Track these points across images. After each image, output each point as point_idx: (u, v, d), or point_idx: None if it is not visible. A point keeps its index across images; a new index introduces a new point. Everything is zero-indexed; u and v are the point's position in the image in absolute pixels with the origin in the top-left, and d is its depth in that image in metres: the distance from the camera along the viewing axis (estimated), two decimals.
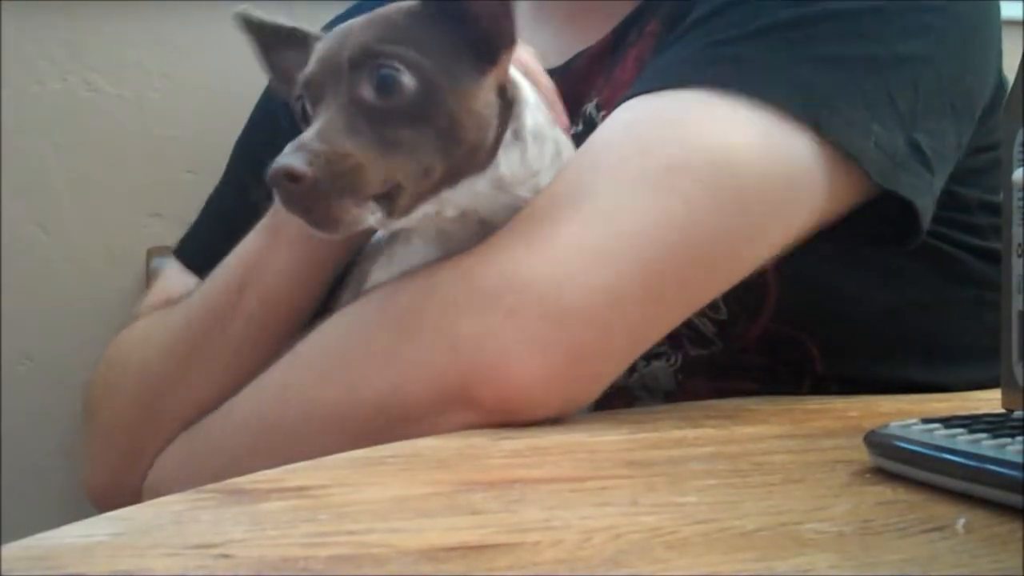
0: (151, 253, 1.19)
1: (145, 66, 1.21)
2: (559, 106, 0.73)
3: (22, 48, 1.18)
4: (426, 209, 0.64)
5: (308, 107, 0.63)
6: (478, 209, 0.67)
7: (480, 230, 0.67)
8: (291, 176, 0.57)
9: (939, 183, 0.71)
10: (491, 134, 0.65)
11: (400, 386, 0.63)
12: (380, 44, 0.62)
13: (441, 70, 0.62)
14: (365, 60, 0.61)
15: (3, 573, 0.35)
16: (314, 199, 0.58)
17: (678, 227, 0.63)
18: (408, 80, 0.61)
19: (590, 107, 0.80)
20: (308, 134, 0.60)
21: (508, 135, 0.66)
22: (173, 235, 0.94)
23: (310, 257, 0.74)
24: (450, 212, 0.66)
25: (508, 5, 0.63)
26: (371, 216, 0.60)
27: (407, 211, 0.63)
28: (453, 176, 0.64)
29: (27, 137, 1.19)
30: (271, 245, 0.74)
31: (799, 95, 0.65)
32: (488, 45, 0.64)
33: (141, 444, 0.76)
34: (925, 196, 0.69)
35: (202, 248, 0.86)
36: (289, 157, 0.58)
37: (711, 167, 0.64)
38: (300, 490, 0.47)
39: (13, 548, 0.37)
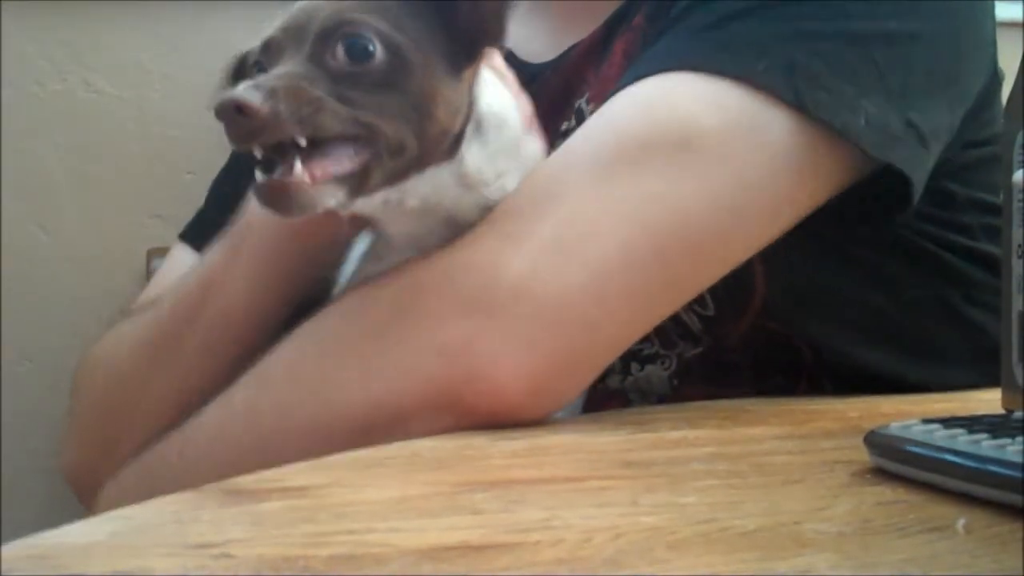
0: (151, 253, 1.19)
1: (145, 66, 1.21)
2: (528, 109, 0.71)
3: (22, 48, 1.18)
4: (388, 195, 0.63)
5: (266, 70, 0.61)
6: (442, 203, 0.65)
7: (450, 232, 0.66)
8: (241, 109, 0.55)
9: (931, 161, 0.70)
10: (460, 123, 0.64)
11: (384, 396, 0.62)
12: (352, 12, 0.61)
13: (415, 48, 0.61)
14: (336, 27, 0.60)
15: (3, 573, 0.35)
16: (263, 136, 0.57)
17: (655, 212, 0.62)
18: (378, 50, 0.60)
19: (581, 102, 0.80)
20: (264, 76, 0.58)
21: (470, 126, 0.65)
22: (173, 235, 0.94)
23: (270, 273, 0.72)
24: (412, 202, 0.64)
25: (502, 6, 0.62)
26: (331, 198, 0.59)
27: (376, 189, 0.61)
28: (422, 161, 0.63)
29: (27, 137, 1.19)
30: (231, 259, 0.73)
31: (782, 72, 0.64)
32: (470, 41, 0.64)
33: (112, 439, 0.76)
34: (919, 170, 0.68)
35: (206, 231, 0.86)
36: (241, 91, 0.56)
37: (683, 150, 0.63)
38: (300, 490, 0.47)
39: (13, 548, 0.37)
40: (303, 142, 0.57)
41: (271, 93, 0.56)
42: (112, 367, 0.79)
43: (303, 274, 0.74)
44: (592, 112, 0.76)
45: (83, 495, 0.80)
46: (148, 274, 1.17)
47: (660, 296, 0.65)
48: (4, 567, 0.35)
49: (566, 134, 0.77)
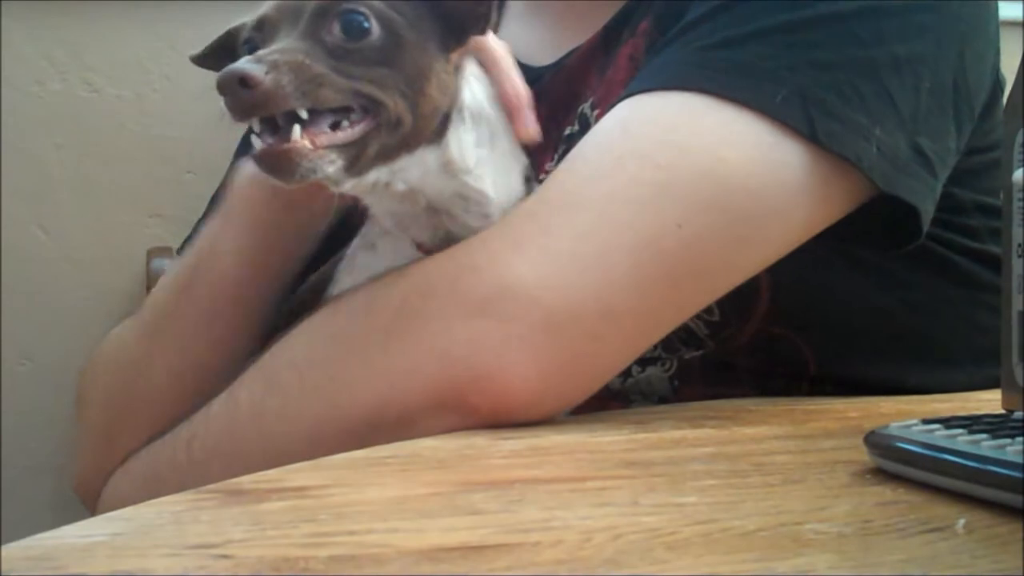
0: (151, 254, 1.19)
1: (145, 66, 1.21)
2: (526, 110, 0.72)
3: (22, 48, 1.18)
4: (379, 176, 0.64)
5: (259, 47, 0.62)
6: (425, 189, 0.66)
7: (430, 218, 0.67)
8: (244, 81, 0.56)
9: (940, 185, 0.71)
10: (448, 104, 0.65)
11: (390, 397, 0.62)
12: None
13: (408, 26, 0.62)
14: (332, 4, 0.61)
15: (3, 573, 0.35)
16: (266, 108, 0.58)
17: (672, 237, 0.63)
18: (375, 27, 0.61)
19: (585, 107, 0.80)
20: (263, 51, 0.59)
21: (455, 113, 0.66)
22: (173, 235, 0.95)
23: (259, 241, 0.74)
24: (400, 186, 0.65)
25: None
26: (330, 165, 0.59)
27: (370, 165, 0.62)
28: (414, 139, 0.64)
29: (27, 137, 1.19)
30: (221, 229, 0.75)
31: (795, 102, 0.64)
32: (461, 24, 0.65)
33: (117, 430, 0.76)
34: (927, 200, 0.69)
35: None
36: (244, 64, 0.57)
37: (704, 179, 0.63)
38: (300, 490, 0.47)
39: (13, 548, 0.37)
40: (304, 115, 0.58)
41: (273, 66, 0.57)
42: (114, 360, 0.80)
43: (291, 242, 0.75)
44: (597, 118, 0.76)
45: (92, 503, 0.80)
46: (148, 274, 1.17)
47: (667, 314, 0.66)
48: (4, 567, 0.35)
49: (569, 139, 0.77)
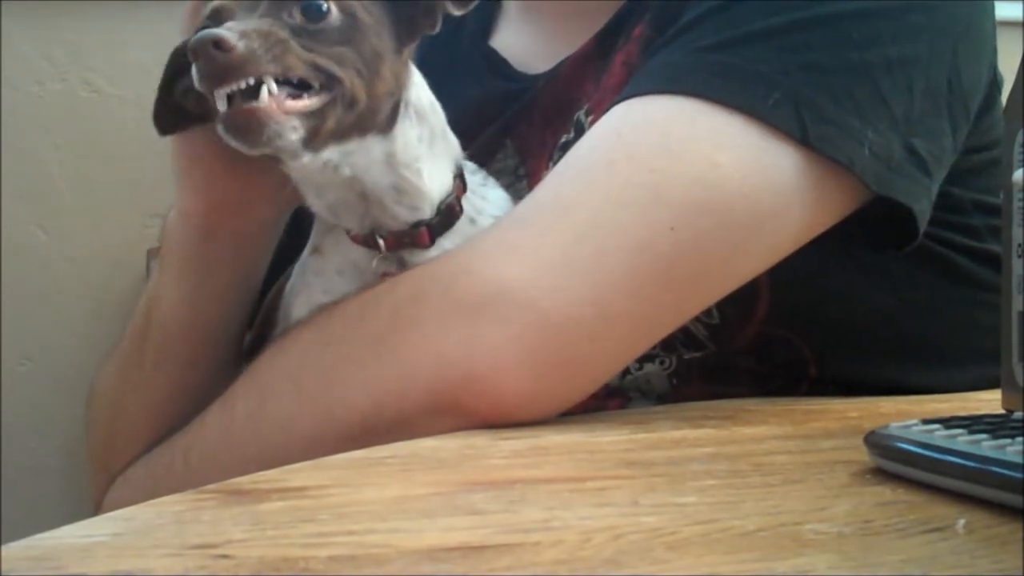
0: (151, 253, 1.19)
1: (145, 66, 1.21)
2: None
3: (22, 48, 1.18)
4: (330, 157, 0.65)
5: None
6: (365, 177, 0.67)
7: (361, 206, 0.68)
8: (219, 44, 0.58)
9: (936, 186, 0.71)
10: (398, 92, 0.67)
11: (385, 401, 0.62)
12: None
13: (365, 11, 0.64)
14: None
15: (3, 573, 0.35)
16: (238, 74, 0.59)
17: (666, 240, 0.63)
18: (333, 10, 0.63)
19: (580, 114, 0.80)
20: (230, 23, 0.61)
21: (402, 108, 0.68)
22: None
23: (195, 286, 0.74)
24: (347, 171, 0.66)
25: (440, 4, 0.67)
26: (293, 132, 0.61)
27: (326, 141, 0.63)
28: (367, 121, 0.65)
29: (27, 137, 1.19)
30: (161, 277, 0.75)
31: (788, 106, 0.64)
32: (412, 19, 0.67)
33: (110, 463, 0.77)
34: (922, 200, 0.69)
35: None
36: (217, 29, 0.59)
37: (697, 183, 0.63)
38: (300, 490, 0.47)
39: (13, 548, 0.37)
40: (273, 85, 0.60)
41: (244, 34, 0.59)
42: (101, 395, 0.81)
43: (234, 286, 0.75)
44: (591, 124, 0.76)
45: None
46: (148, 274, 1.16)
47: (663, 317, 0.66)
48: (4, 567, 0.35)
49: (565, 147, 0.77)
